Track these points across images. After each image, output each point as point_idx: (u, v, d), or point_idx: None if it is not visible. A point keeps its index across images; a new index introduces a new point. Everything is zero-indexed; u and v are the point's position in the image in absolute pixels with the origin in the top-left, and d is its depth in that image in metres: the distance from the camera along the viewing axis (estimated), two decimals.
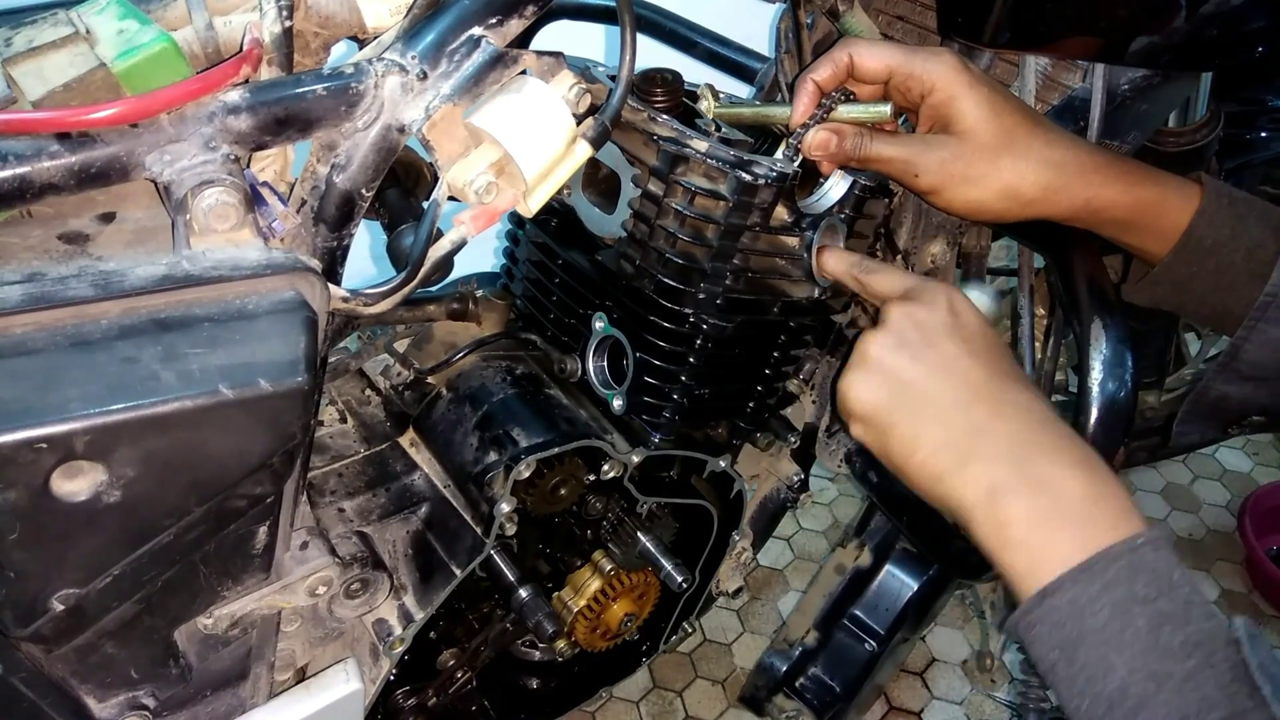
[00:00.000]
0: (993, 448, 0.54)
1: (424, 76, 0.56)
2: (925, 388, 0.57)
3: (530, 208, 0.61)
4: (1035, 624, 0.50)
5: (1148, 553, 0.49)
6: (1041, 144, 0.65)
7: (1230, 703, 0.44)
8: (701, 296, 0.73)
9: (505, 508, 0.74)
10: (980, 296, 0.66)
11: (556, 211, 0.84)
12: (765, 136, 0.77)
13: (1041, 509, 0.51)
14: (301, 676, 0.76)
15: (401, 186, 0.76)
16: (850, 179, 0.74)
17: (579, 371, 0.82)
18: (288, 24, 0.57)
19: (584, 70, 0.72)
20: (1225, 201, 0.67)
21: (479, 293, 0.88)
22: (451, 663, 0.90)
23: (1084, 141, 0.69)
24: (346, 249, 0.60)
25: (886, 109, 0.67)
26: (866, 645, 1.04)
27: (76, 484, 0.46)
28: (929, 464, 0.56)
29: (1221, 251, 0.67)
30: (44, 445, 0.43)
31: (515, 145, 0.58)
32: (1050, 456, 0.53)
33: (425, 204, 0.60)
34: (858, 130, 0.68)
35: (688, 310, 0.73)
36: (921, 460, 0.56)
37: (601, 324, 0.79)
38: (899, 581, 1.05)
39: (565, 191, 0.81)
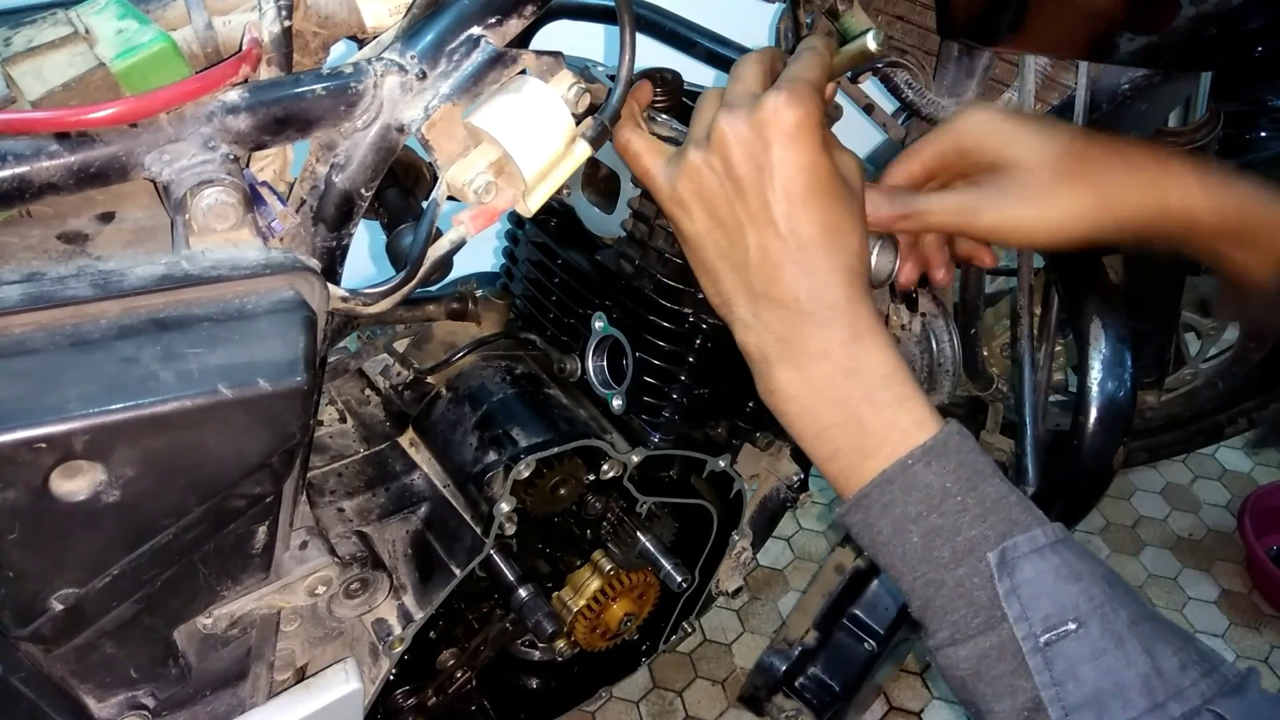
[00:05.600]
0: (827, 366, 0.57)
1: (423, 76, 0.56)
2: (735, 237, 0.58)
3: (529, 207, 0.61)
4: (848, 529, 0.57)
5: (919, 470, 0.53)
6: (1108, 154, 0.61)
7: (989, 612, 0.50)
8: (701, 296, 0.72)
9: (505, 507, 0.74)
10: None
11: (556, 211, 0.84)
12: None
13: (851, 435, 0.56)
14: (301, 676, 0.76)
15: (401, 186, 0.76)
16: None
17: (578, 371, 0.82)
18: (287, 24, 0.56)
19: (583, 70, 0.72)
20: None
21: (478, 292, 0.88)
22: (451, 662, 0.90)
23: (1151, 143, 0.65)
24: (346, 249, 0.60)
25: (869, 40, 0.59)
26: (866, 645, 1.04)
27: (75, 484, 0.46)
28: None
29: None
30: (43, 445, 0.43)
31: (514, 145, 0.58)
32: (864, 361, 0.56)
33: (424, 204, 0.60)
34: (903, 194, 0.64)
35: (687, 310, 0.73)
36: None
37: (601, 324, 0.79)
38: None
39: (565, 191, 0.81)
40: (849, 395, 0.55)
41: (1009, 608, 0.49)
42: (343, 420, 0.85)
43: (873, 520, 0.54)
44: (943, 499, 0.52)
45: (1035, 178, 0.60)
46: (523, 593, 0.80)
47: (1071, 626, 0.49)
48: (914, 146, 0.65)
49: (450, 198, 0.60)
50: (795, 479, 1.02)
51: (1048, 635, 0.49)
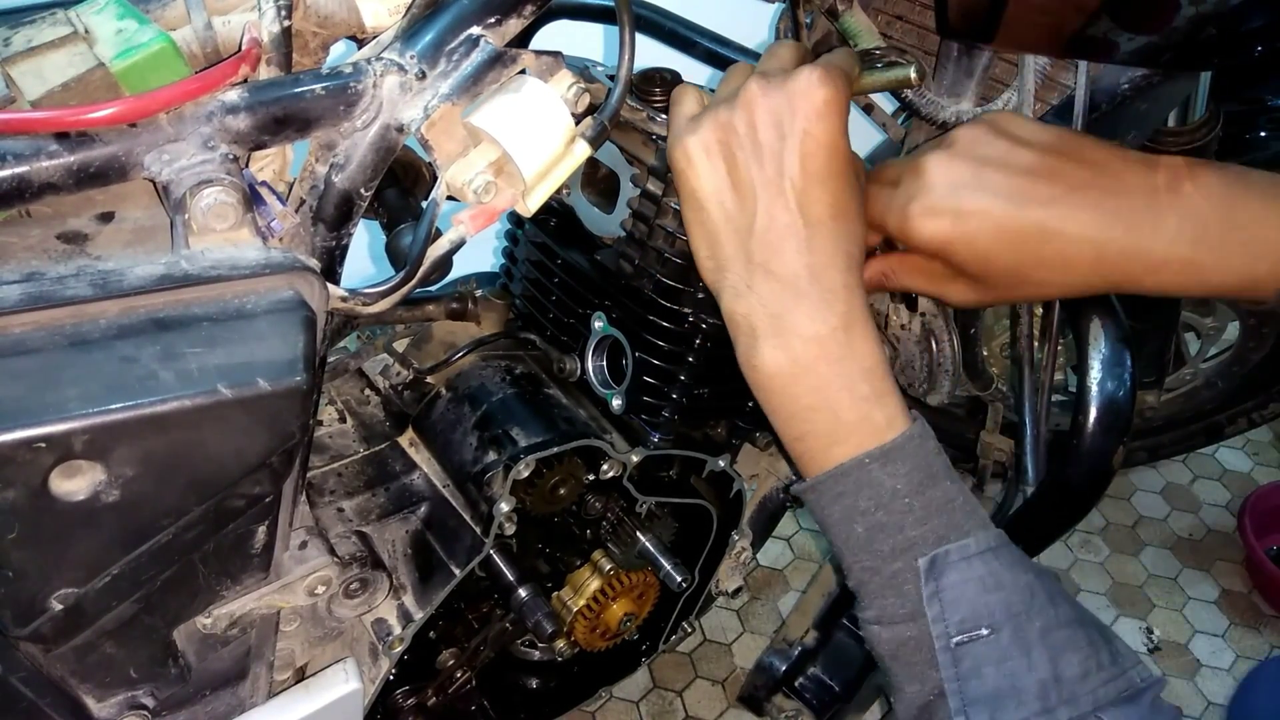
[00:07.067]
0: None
1: (423, 76, 0.56)
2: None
3: (529, 207, 0.61)
4: (806, 503, 0.60)
5: (874, 469, 0.56)
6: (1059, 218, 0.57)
7: (914, 606, 0.54)
8: (701, 296, 0.72)
9: (504, 507, 0.74)
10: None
11: (556, 211, 0.84)
12: None
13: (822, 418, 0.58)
14: (301, 676, 0.76)
15: (400, 186, 0.76)
16: None
17: (578, 371, 0.82)
18: (286, 23, 0.57)
19: (583, 70, 0.72)
20: None
21: (478, 292, 0.88)
22: (451, 662, 0.90)
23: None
24: (345, 248, 0.60)
25: (910, 71, 0.60)
26: (866, 645, 1.04)
27: (75, 483, 0.46)
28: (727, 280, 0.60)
29: None
30: (42, 445, 0.43)
31: (514, 145, 0.58)
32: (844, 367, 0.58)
33: (424, 203, 0.60)
34: (883, 265, 0.65)
35: (687, 310, 0.73)
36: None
37: (600, 324, 0.79)
38: None
39: (564, 191, 0.81)
40: (830, 382, 0.57)
41: (929, 609, 0.53)
42: (342, 420, 0.85)
43: (825, 504, 0.58)
44: (891, 499, 0.55)
45: (997, 286, 0.61)
46: (522, 593, 0.80)
47: (984, 632, 0.53)
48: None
49: (450, 197, 0.60)
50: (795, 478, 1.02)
51: (960, 637, 0.53)
